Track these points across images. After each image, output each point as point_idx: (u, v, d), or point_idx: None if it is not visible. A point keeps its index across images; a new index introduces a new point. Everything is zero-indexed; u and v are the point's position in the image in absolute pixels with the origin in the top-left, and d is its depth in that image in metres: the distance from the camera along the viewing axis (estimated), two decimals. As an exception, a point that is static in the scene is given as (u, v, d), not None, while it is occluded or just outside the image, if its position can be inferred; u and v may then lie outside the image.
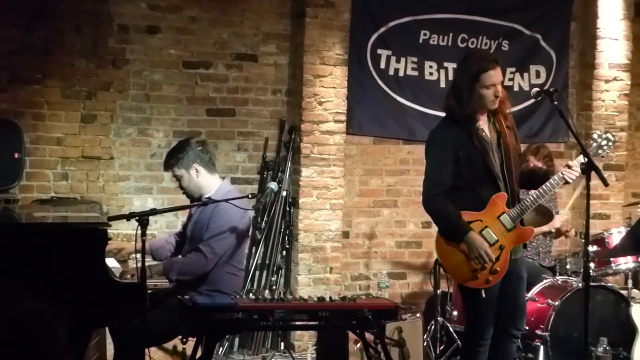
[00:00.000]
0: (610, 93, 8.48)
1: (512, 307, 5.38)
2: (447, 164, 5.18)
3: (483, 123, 5.27)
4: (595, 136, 5.53)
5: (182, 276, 5.39)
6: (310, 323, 5.20)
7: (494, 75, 5.15)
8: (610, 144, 5.48)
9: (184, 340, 5.36)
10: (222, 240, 5.43)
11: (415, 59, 8.10)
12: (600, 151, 5.47)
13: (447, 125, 5.30)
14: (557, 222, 7.24)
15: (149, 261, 5.24)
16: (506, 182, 5.25)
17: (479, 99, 5.16)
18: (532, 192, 5.32)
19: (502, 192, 5.22)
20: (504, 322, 5.37)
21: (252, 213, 5.77)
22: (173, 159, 5.63)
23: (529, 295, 6.64)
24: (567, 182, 5.34)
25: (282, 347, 7.57)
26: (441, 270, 7.03)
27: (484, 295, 5.19)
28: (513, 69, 8.30)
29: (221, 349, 7.35)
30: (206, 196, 5.57)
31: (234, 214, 5.46)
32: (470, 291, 5.28)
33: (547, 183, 5.29)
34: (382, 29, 7.97)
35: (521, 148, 5.65)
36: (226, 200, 5.41)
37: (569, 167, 5.28)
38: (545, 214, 6.48)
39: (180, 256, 5.65)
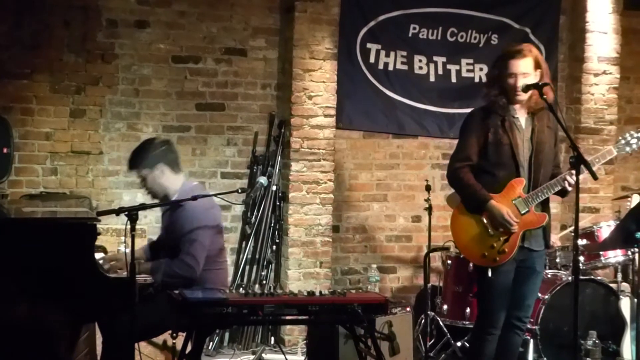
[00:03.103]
0: (599, 87, 8.49)
1: (520, 296, 5.41)
2: (477, 142, 5.34)
3: (521, 114, 5.38)
4: (627, 135, 5.54)
5: (169, 279, 5.36)
6: (300, 317, 5.20)
7: (514, 64, 5.26)
8: None
9: (174, 335, 5.35)
10: (198, 243, 5.38)
11: (404, 53, 8.10)
12: (628, 148, 5.51)
13: (485, 108, 5.43)
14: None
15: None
16: (530, 173, 5.33)
17: (505, 85, 5.30)
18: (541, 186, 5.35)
19: (520, 177, 5.31)
20: (510, 311, 5.41)
21: (217, 208, 5.69)
22: (137, 159, 5.57)
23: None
24: (562, 190, 5.36)
25: (273, 342, 7.58)
26: (431, 264, 7.05)
27: (490, 274, 5.28)
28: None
29: (211, 343, 7.35)
30: (172, 199, 5.52)
31: (200, 212, 5.38)
32: (481, 273, 5.37)
33: (554, 181, 5.33)
34: (372, 23, 7.97)
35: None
36: (215, 195, 5.40)
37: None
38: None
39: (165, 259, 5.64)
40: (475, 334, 5.60)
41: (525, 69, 5.28)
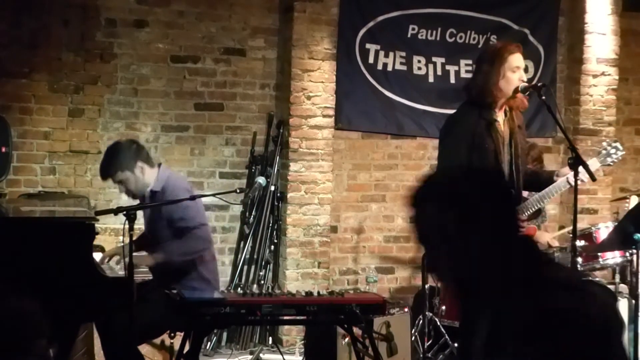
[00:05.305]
0: (598, 88, 8.49)
1: None
2: (463, 149, 5.12)
3: (499, 116, 5.23)
4: (604, 144, 5.48)
5: (184, 257, 5.37)
6: (298, 318, 5.21)
7: (517, 58, 5.13)
8: (620, 153, 5.47)
9: (172, 334, 5.35)
10: (197, 216, 5.43)
11: (403, 54, 8.10)
12: (609, 159, 5.47)
13: (467, 111, 5.25)
14: (545, 237, 7.23)
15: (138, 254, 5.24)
16: (512, 179, 5.23)
17: (506, 83, 5.12)
18: (537, 194, 5.28)
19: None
20: None
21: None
22: (114, 165, 5.49)
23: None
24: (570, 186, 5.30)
25: (270, 342, 7.57)
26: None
27: None
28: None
29: (209, 343, 7.35)
30: (149, 189, 5.51)
31: (183, 193, 5.41)
32: None
33: (553, 186, 5.25)
34: (371, 24, 7.97)
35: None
36: (214, 195, 5.40)
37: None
38: (534, 213, 6.52)
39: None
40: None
41: (522, 63, 5.21)
